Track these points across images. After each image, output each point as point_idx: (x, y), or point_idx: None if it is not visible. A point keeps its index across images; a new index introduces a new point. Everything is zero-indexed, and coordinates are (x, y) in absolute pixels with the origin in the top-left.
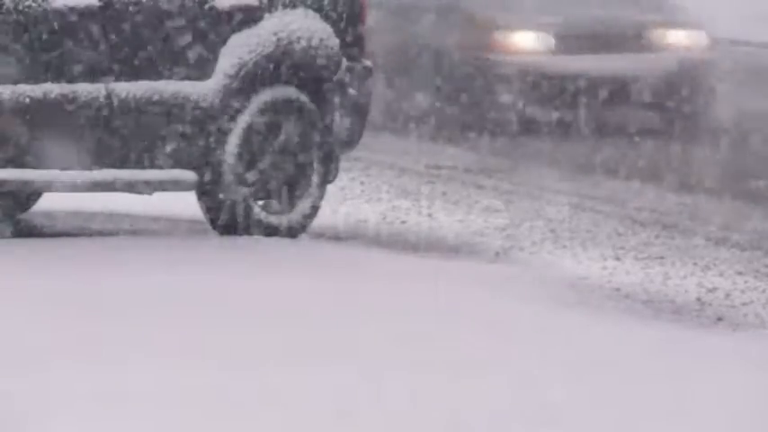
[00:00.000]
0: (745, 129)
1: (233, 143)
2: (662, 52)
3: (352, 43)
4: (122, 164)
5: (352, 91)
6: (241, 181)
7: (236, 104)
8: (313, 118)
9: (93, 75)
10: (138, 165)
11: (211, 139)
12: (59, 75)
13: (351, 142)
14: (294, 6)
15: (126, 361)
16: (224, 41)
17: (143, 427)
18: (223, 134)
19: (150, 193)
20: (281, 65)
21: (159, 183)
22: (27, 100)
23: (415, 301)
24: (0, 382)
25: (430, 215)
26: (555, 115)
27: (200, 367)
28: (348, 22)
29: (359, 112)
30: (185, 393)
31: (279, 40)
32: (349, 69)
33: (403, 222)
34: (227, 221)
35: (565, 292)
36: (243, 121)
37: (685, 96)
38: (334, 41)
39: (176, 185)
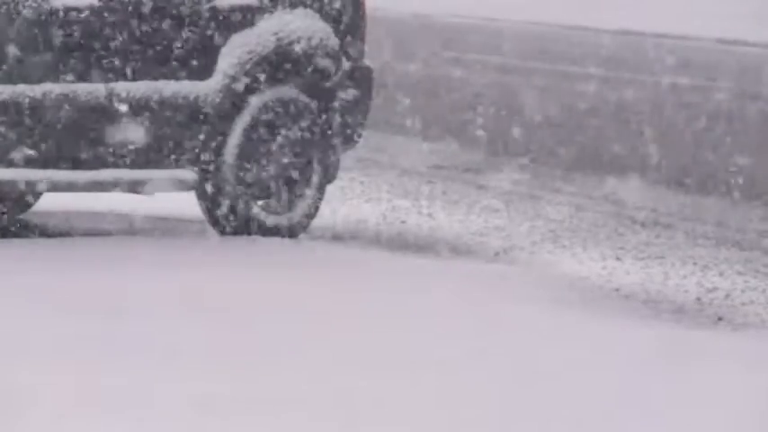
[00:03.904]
0: None
1: (233, 143)
2: None
3: (353, 43)
4: (122, 164)
5: (352, 91)
6: (241, 181)
7: (236, 104)
8: (313, 118)
9: (93, 75)
10: (138, 165)
11: (211, 139)
12: (59, 75)
13: (351, 142)
14: (294, 6)
15: (126, 361)
16: (224, 41)
17: (142, 427)
18: (223, 134)
19: (150, 193)
20: (281, 65)
21: (159, 183)
22: (27, 100)
23: (414, 302)
24: (0, 381)
25: (430, 215)
26: None
27: (199, 367)
28: (348, 22)
29: (359, 111)
30: (185, 393)
31: (279, 40)
32: (349, 69)
33: (403, 222)
34: (227, 222)
35: (565, 292)
36: (243, 121)
37: None
38: (335, 41)
39: (176, 185)
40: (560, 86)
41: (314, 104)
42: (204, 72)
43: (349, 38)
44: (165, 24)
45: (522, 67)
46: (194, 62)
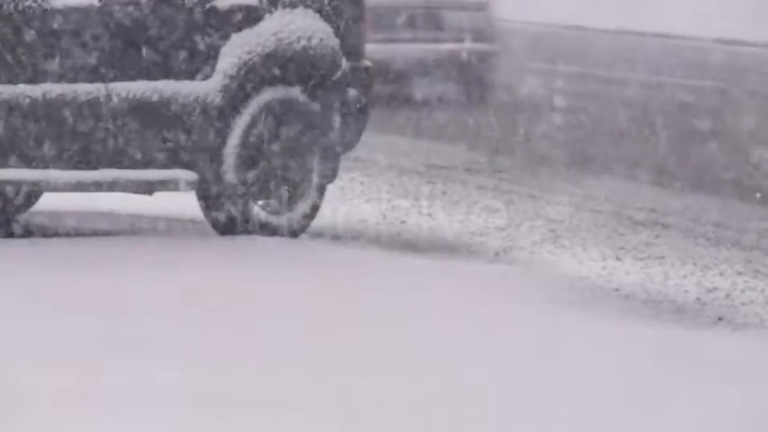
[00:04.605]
0: None
1: (233, 143)
2: None
3: (352, 43)
4: (122, 164)
5: (352, 91)
6: (241, 181)
7: (236, 104)
8: (313, 118)
9: (92, 75)
10: (138, 165)
11: (211, 139)
12: (59, 75)
13: (351, 142)
14: (294, 6)
15: (125, 361)
16: (224, 41)
17: (142, 427)
18: (223, 134)
19: (150, 193)
20: (281, 65)
21: (159, 183)
22: (27, 100)
23: (414, 302)
24: (0, 381)
25: (430, 215)
26: None
27: (199, 367)
28: (348, 22)
29: (359, 112)
30: (185, 393)
31: (279, 40)
32: (349, 69)
33: (403, 222)
34: (227, 221)
35: (565, 292)
36: (243, 121)
37: None
38: (334, 41)
39: (176, 185)
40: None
41: (314, 104)
42: (204, 72)
43: (349, 38)
44: (165, 24)
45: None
46: (194, 62)
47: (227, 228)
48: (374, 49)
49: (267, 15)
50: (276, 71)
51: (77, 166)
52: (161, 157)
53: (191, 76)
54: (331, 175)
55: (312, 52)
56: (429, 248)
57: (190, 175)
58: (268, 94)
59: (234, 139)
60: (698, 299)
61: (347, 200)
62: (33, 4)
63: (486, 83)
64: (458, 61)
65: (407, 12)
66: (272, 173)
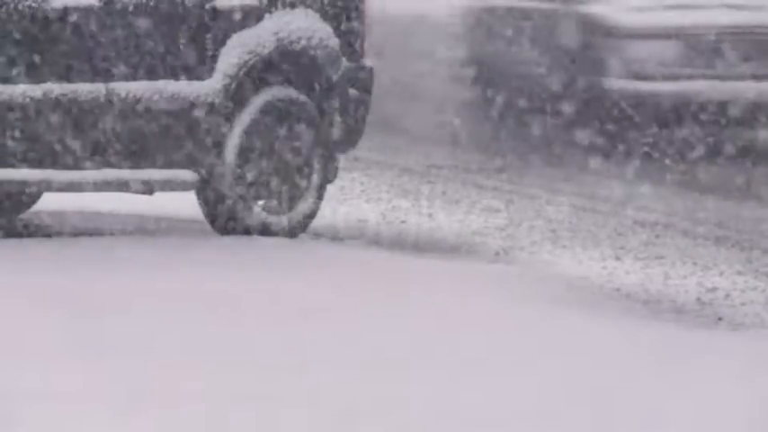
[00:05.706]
0: None
1: (233, 143)
2: None
3: (352, 43)
4: (122, 164)
5: (352, 91)
6: (241, 181)
7: (236, 104)
8: (313, 118)
9: (93, 75)
10: (138, 164)
11: (211, 139)
12: (59, 75)
13: (351, 142)
14: (294, 6)
15: (125, 361)
16: (224, 41)
17: (142, 427)
18: (223, 134)
19: (150, 193)
20: (281, 65)
21: (159, 183)
22: (27, 100)
23: (414, 301)
24: (0, 381)
25: (430, 215)
26: None
27: (199, 367)
28: (348, 22)
29: (359, 112)
30: (184, 392)
31: (279, 39)
32: (349, 69)
33: (403, 222)
34: (227, 221)
35: (564, 292)
36: (243, 121)
37: None
38: (335, 41)
39: (176, 185)
40: None
41: (313, 104)
42: (204, 72)
43: (349, 38)
44: (165, 24)
45: None
46: (194, 62)
47: (227, 228)
48: (693, 88)
49: (267, 15)
50: (276, 71)
51: (78, 166)
52: (161, 156)
53: (191, 75)
54: (331, 175)
55: (312, 52)
56: (429, 248)
57: (190, 175)
58: (268, 94)
59: (234, 139)
60: (698, 299)
61: (347, 200)
62: (33, 4)
63: None
64: None
65: (738, 39)
66: (271, 173)
